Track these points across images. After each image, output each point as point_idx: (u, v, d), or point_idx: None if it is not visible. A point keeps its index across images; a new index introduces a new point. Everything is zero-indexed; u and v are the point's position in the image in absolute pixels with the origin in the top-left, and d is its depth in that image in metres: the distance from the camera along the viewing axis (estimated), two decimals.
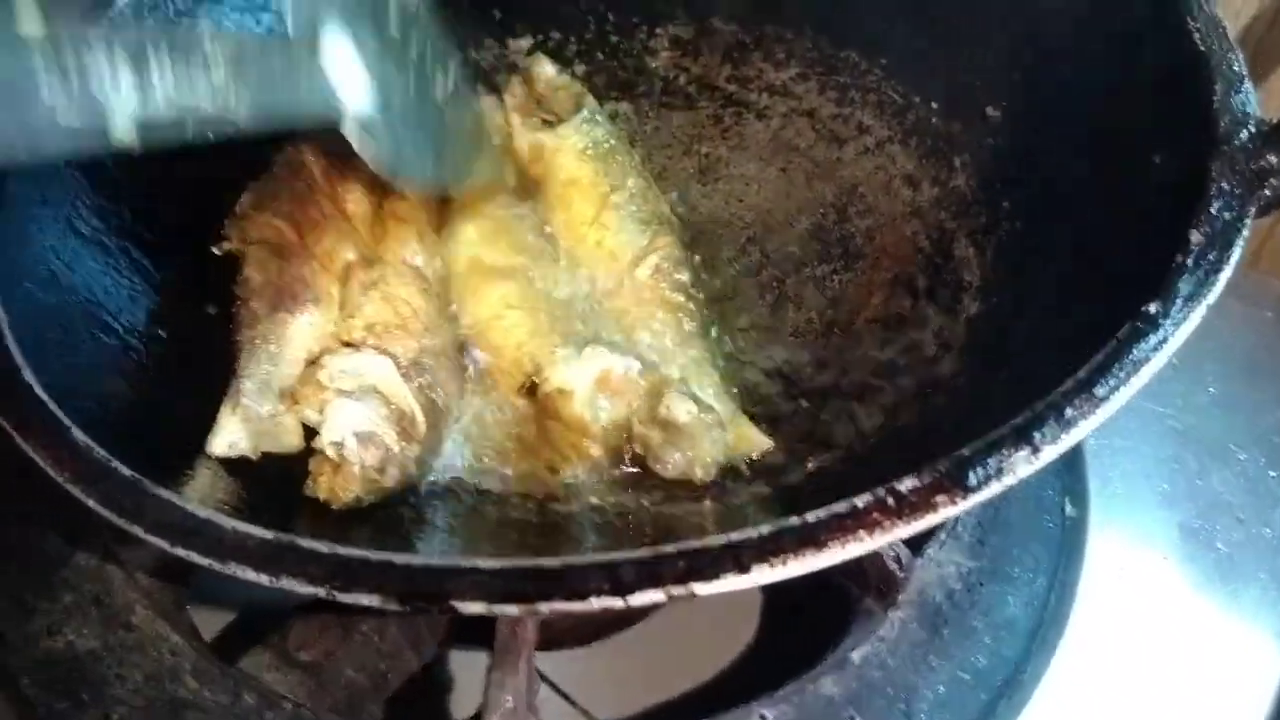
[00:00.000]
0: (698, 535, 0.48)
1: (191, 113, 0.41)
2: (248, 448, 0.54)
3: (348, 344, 0.57)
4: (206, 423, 0.54)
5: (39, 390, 0.42)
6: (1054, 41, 0.59)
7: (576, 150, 0.68)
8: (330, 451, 0.51)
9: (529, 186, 0.68)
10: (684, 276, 0.64)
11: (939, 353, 0.57)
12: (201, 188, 0.64)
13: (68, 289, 0.52)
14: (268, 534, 0.36)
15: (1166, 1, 0.51)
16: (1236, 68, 0.47)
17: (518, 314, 0.62)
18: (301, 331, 0.58)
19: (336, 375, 0.55)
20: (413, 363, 0.57)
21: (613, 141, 0.69)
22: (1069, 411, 0.36)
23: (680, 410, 0.54)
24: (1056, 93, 0.58)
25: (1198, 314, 0.39)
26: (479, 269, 0.65)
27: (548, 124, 0.71)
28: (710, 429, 0.54)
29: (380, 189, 0.66)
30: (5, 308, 0.45)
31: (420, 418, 0.55)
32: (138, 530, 0.37)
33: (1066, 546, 0.63)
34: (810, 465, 0.54)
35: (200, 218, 0.62)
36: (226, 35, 0.48)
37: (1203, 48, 0.48)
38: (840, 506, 0.34)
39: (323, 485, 0.51)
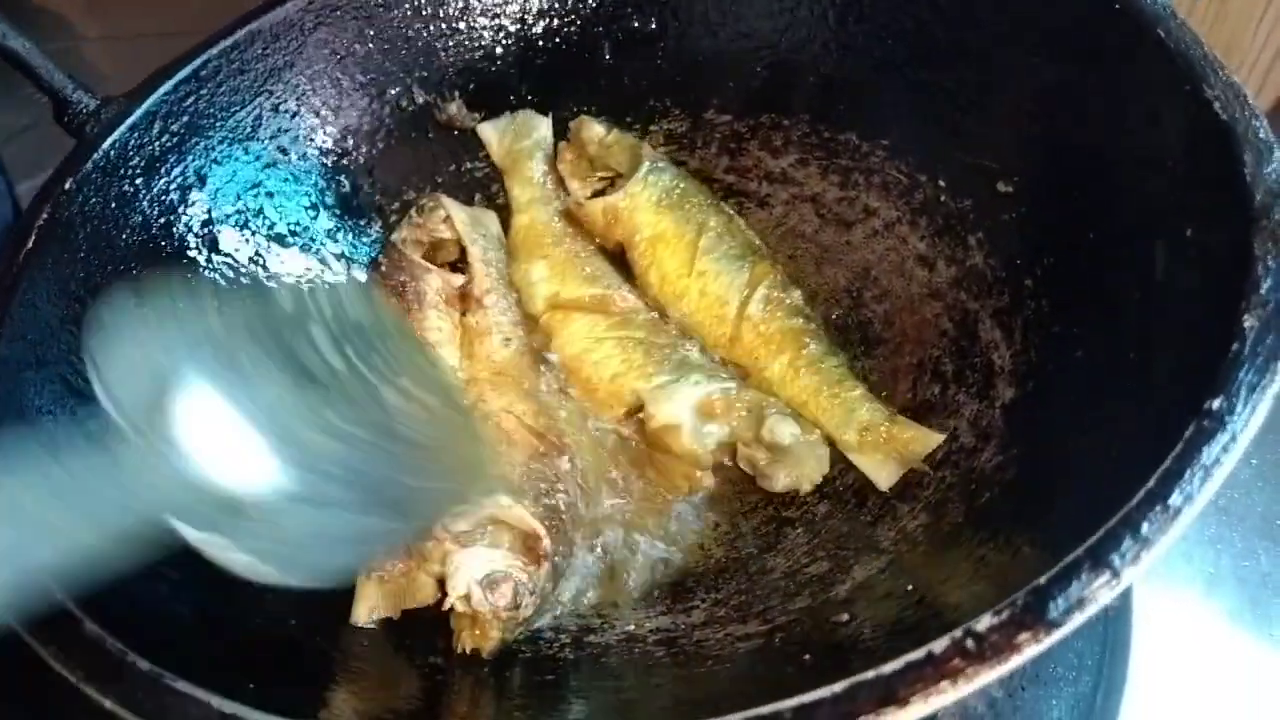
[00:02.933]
0: (746, 676, 0.46)
1: None
2: (388, 609, 0.53)
3: None
4: None
5: None
6: (1064, 115, 0.58)
7: (651, 204, 0.68)
8: (460, 606, 0.50)
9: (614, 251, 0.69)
10: (796, 298, 0.64)
11: (978, 443, 0.54)
12: None
13: None
14: None
15: (1181, 70, 0.50)
16: (1264, 135, 0.46)
17: (608, 345, 0.62)
18: None
19: (450, 521, 0.53)
20: (525, 474, 0.56)
21: (683, 185, 0.69)
22: (1145, 528, 0.34)
23: (784, 432, 0.56)
24: (1071, 167, 0.57)
25: (1265, 406, 0.36)
26: (559, 305, 0.66)
27: (607, 181, 0.72)
28: (814, 447, 0.57)
29: (455, 306, 0.66)
30: None
31: (543, 533, 0.53)
32: None
33: (1111, 640, 0.60)
34: (857, 575, 0.51)
35: None
36: None
37: (1225, 116, 0.47)
38: (916, 654, 0.32)
39: (466, 640, 0.50)
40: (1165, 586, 0.63)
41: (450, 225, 0.68)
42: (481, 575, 0.50)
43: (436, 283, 0.65)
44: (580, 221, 0.70)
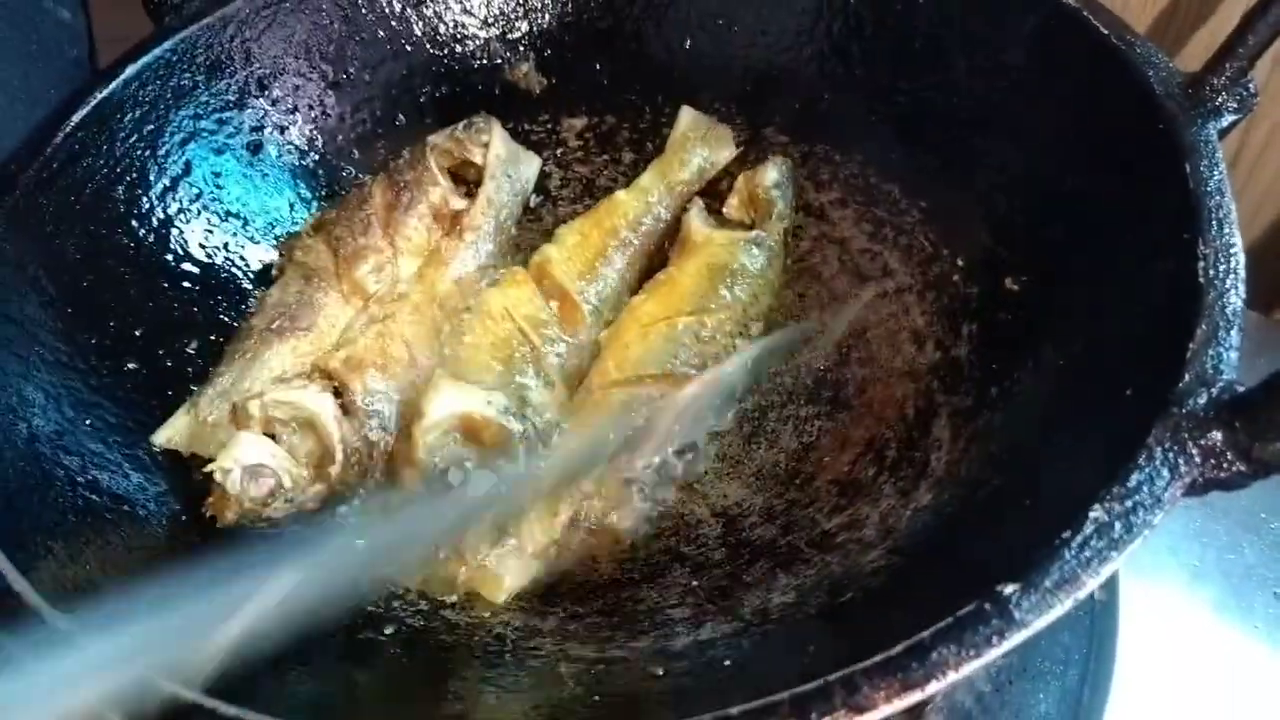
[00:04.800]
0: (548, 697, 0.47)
1: None
2: (182, 445, 0.56)
3: (325, 374, 0.58)
4: None
5: None
6: (1083, 226, 0.54)
7: (701, 260, 0.65)
8: (217, 476, 0.53)
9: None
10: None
11: (876, 540, 0.52)
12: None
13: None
14: None
15: (1191, 211, 0.45)
16: (1230, 311, 0.41)
17: (511, 326, 0.60)
18: (281, 354, 0.59)
19: (272, 404, 0.55)
20: (367, 403, 0.57)
21: (751, 279, 0.65)
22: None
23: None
24: (1070, 282, 0.53)
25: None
26: (538, 272, 0.64)
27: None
28: (504, 558, 0.54)
29: (443, 226, 0.66)
30: None
31: (339, 459, 0.55)
32: None
33: (1097, 634, 0.59)
34: (704, 633, 0.50)
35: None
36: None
37: (1202, 278, 0.42)
38: None
39: (210, 504, 0.53)
40: (1151, 580, 0.63)
41: (485, 151, 0.67)
42: (251, 462, 0.52)
43: (437, 196, 0.65)
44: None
